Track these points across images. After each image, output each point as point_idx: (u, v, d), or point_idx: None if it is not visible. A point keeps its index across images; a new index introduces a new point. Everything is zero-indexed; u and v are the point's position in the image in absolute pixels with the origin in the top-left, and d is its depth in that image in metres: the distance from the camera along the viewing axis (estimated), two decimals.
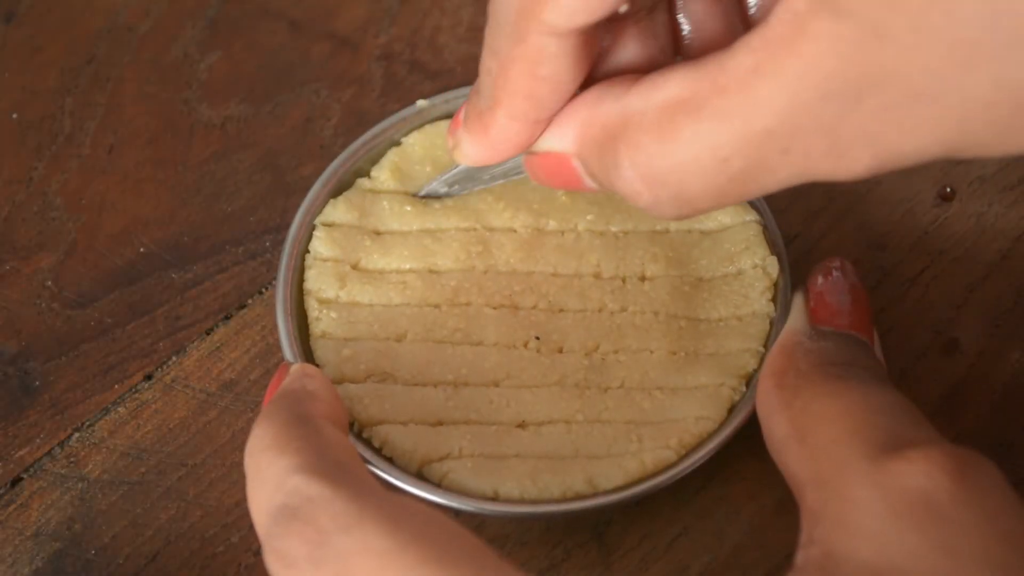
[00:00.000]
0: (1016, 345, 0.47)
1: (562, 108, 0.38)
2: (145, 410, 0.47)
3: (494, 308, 0.45)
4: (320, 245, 0.46)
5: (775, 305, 0.45)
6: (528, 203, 0.47)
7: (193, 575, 0.44)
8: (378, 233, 0.47)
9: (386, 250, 0.46)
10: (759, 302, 0.45)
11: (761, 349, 0.44)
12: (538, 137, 0.39)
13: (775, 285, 0.45)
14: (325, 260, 0.46)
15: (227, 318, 0.48)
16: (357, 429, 0.43)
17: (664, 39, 0.39)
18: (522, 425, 0.43)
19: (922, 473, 0.34)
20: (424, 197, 0.47)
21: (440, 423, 0.43)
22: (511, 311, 0.45)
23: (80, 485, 0.45)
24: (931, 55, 0.30)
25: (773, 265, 0.45)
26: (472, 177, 0.46)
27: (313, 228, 0.47)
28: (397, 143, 0.49)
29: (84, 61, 0.54)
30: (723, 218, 0.47)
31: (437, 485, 0.42)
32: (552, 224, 0.47)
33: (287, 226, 0.47)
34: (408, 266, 0.46)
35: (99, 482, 0.45)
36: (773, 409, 0.39)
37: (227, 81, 0.54)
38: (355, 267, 0.46)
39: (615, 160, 0.36)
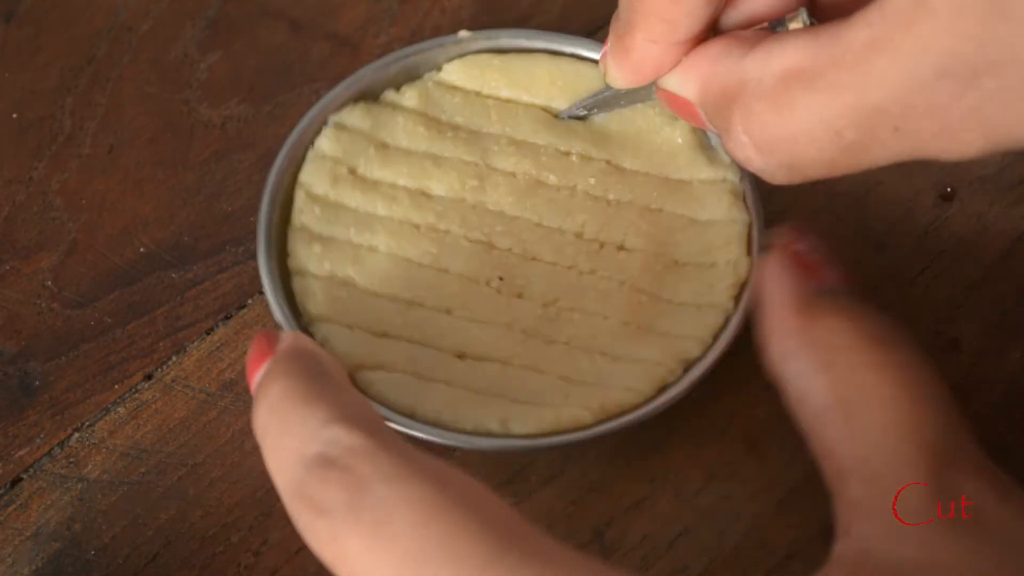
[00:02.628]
0: (1016, 345, 0.47)
1: (691, 50, 0.39)
2: (145, 410, 0.47)
3: (470, 241, 0.46)
4: (325, 142, 0.48)
5: (736, 304, 0.45)
6: (537, 155, 0.48)
7: (193, 575, 0.44)
8: (384, 146, 0.48)
9: (386, 163, 0.48)
10: (721, 296, 0.45)
11: (709, 340, 0.45)
12: (679, 59, 0.40)
13: (742, 285, 0.46)
14: (325, 158, 0.48)
15: (227, 318, 0.48)
16: (304, 323, 0.45)
17: None
18: (461, 356, 0.45)
19: (975, 491, 0.34)
20: (569, 118, 0.49)
21: (384, 335, 0.45)
22: (485, 248, 0.46)
23: (80, 485, 0.45)
24: None
25: (743, 265, 0.46)
26: (608, 102, 0.47)
27: (324, 124, 0.48)
28: (438, 68, 0.50)
29: (84, 61, 0.54)
30: (716, 213, 0.47)
31: (362, 393, 0.43)
32: (552, 179, 0.48)
33: None
34: (402, 183, 0.47)
35: (99, 482, 0.45)
36: (805, 372, 0.37)
37: (227, 81, 0.54)
38: (352, 171, 0.48)
39: (729, 122, 0.37)
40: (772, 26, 0.39)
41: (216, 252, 0.50)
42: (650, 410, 0.43)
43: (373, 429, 0.33)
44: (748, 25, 0.40)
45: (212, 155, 0.52)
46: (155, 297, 0.49)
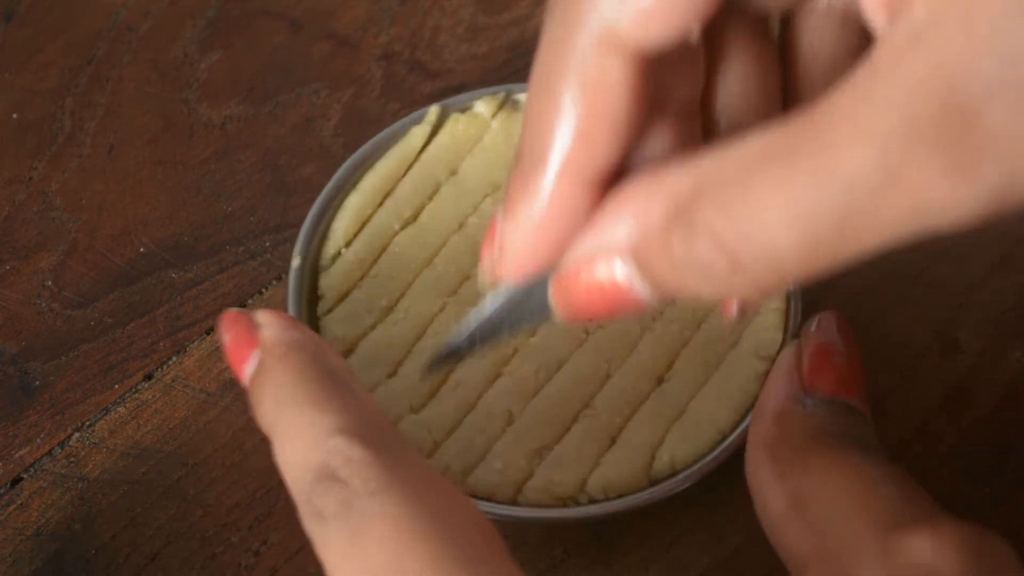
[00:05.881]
0: (1016, 345, 0.47)
1: (601, 204, 0.33)
2: (145, 410, 0.47)
3: (534, 335, 0.45)
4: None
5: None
6: (455, 249, 0.47)
7: (193, 575, 0.44)
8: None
9: None
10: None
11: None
12: (590, 209, 0.34)
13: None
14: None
15: None
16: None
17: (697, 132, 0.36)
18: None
19: (931, 550, 0.33)
20: (433, 370, 0.42)
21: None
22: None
23: (80, 485, 0.45)
24: None
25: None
26: (495, 328, 0.38)
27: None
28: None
29: (84, 61, 0.54)
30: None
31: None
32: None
33: (287, 226, 0.47)
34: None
35: (99, 482, 0.45)
36: (766, 481, 0.37)
37: (227, 81, 0.54)
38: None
39: (688, 231, 0.31)
40: None
41: (216, 252, 0.50)
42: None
43: (375, 439, 0.34)
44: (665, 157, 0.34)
45: (212, 155, 0.52)
46: (155, 297, 0.49)
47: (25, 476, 0.46)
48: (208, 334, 0.48)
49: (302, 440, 0.34)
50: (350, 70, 0.54)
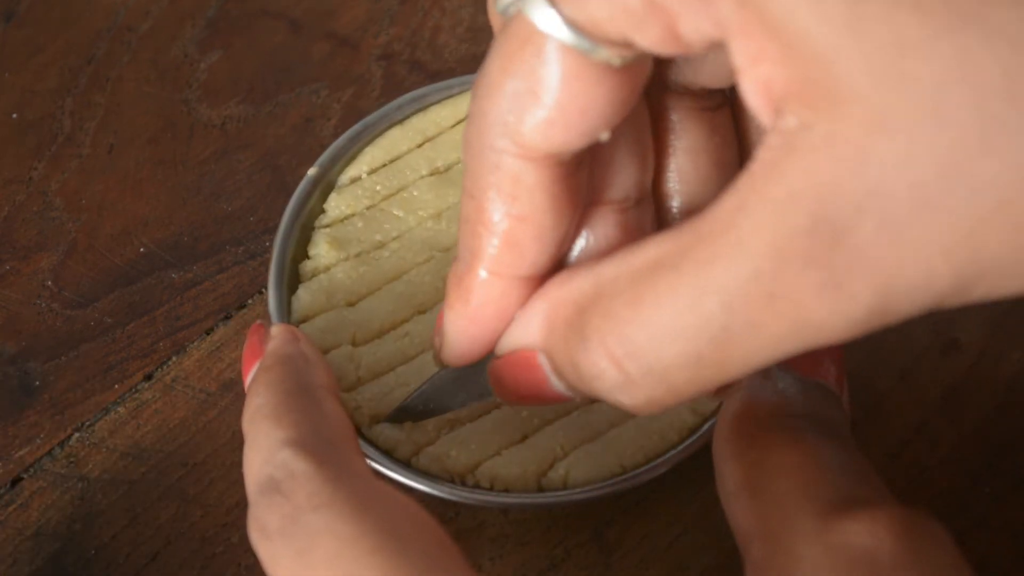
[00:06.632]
0: (1016, 345, 0.47)
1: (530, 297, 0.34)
2: (145, 410, 0.47)
3: None
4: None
5: None
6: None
7: (193, 575, 0.44)
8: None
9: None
10: None
11: None
12: (524, 301, 0.35)
13: None
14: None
15: (227, 318, 0.48)
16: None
17: (650, 222, 0.36)
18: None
19: (867, 532, 0.33)
20: (393, 421, 0.43)
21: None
22: None
23: (80, 485, 0.45)
24: (944, 140, 0.26)
25: None
26: (445, 398, 0.41)
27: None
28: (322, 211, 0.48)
29: (84, 61, 0.54)
30: None
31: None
32: None
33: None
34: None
35: (99, 482, 0.45)
36: (726, 457, 0.37)
37: (227, 81, 0.54)
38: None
39: (582, 338, 0.31)
40: None
41: (216, 252, 0.50)
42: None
43: (324, 453, 0.34)
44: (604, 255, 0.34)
45: (212, 155, 0.52)
46: (155, 297, 0.49)
47: (25, 476, 0.46)
48: (208, 334, 0.48)
49: (257, 451, 0.35)
50: (350, 70, 0.54)
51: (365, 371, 0.44)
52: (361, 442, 0.43)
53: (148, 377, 0.47)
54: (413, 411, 0.42)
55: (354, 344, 0.45)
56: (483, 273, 0.35)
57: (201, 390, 0.47)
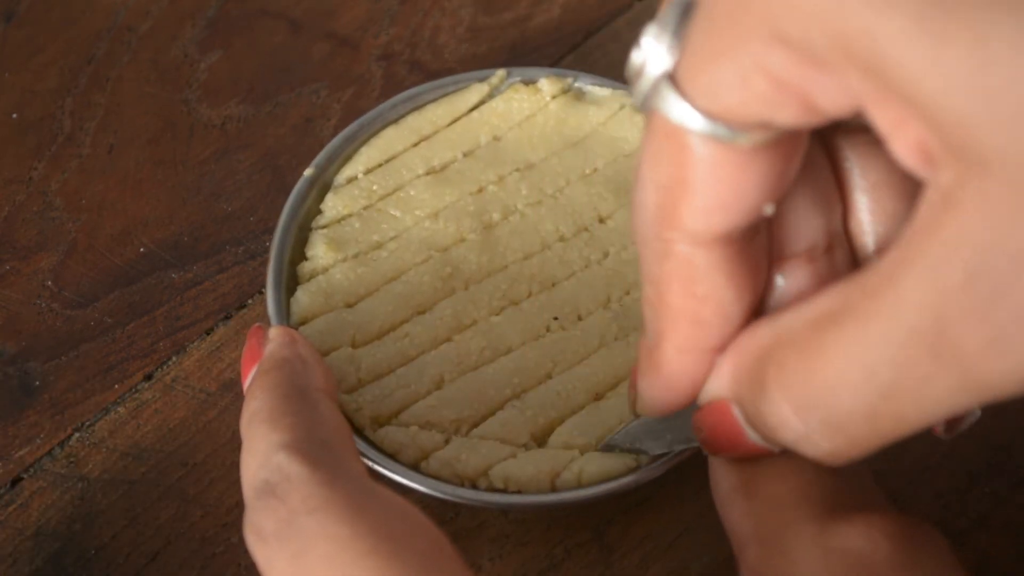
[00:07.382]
0: None
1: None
2: (145, 410, 0.47)
3: (498, 315, 0.46)
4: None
5: None
6: (463, 209, 0.47)
7: (193, 575, 0.44)
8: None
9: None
10: None
11: None
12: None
13: None
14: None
15: (227, 318, 0.48)
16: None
17: (841, 266, 0.35)
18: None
19: (863, 536, 0.33)
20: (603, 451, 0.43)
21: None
22: (515, 308, 0.46)
23: (80, 485, 0.45)
24: None
25: None
26: (641, 437, 0.42)
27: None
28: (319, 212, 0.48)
29: (84, 61, 0.54)
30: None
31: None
32: (495, 215, 0.47)
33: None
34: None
35: (99, 482, 0.45)
36: (721, 460, 0.37)
37: (227, 81, 0.54)
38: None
39: (762, 388, 0.32)
40: None
41: (216, 252, 0.50)
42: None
43: (319, 456, 0.34)
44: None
45: (212, 155, 0.52)
46: (155, 297, 0.49)
47: (25, 476, 0.46)
48: (208, 334, 0.48)
49: (253, 455, 0.35)
50: (350, 70, 0.54)
51: (366, 373, 0.44)
52: (364, 444, 0.43)
53: (148, 377, 0.47)
54: (620, 447, 0.42)
55: (354, 346, 0.45)
56: (671, 350, 0.35)
57: (201, 390, 0.47)
